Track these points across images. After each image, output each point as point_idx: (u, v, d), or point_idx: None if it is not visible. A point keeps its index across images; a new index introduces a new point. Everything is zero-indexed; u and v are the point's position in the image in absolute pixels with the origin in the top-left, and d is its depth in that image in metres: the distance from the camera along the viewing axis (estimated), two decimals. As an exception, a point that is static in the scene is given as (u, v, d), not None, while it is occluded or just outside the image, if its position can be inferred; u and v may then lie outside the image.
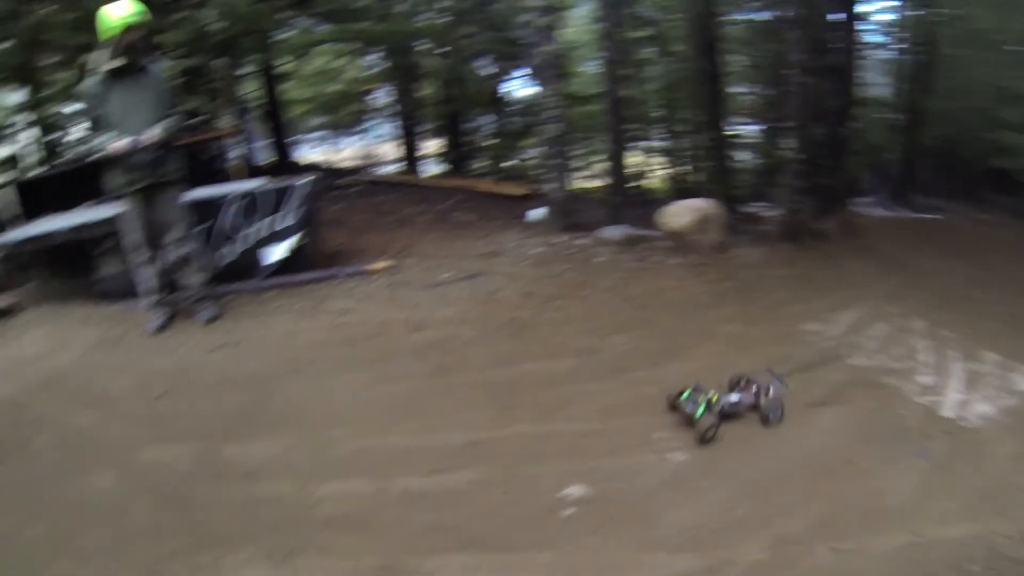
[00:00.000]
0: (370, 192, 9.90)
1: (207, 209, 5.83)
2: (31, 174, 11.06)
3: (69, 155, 12.78)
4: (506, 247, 6.77)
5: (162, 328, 5.10)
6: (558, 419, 3.63)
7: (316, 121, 17.21)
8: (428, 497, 3.08)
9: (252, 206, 5.96)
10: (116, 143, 4.59)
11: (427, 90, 14.73)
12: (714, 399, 3.52)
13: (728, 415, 3.57)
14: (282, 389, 4.14)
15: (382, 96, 16.29)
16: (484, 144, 15.40)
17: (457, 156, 14.54)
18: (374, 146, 17.29)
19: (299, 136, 15.99)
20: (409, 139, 14.98)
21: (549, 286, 5.58)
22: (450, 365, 4.32)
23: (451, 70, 13.45)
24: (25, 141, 14.77)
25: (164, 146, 4.79)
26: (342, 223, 7.67)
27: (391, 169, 14.74)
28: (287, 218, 5.98)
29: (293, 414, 3.86)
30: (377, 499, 3.10)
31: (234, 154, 8.52)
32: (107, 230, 5.52)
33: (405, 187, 10.45)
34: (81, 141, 14.00)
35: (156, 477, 3.43)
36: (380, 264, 6.19)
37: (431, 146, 15.55)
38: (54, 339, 5.10)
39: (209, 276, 5.41)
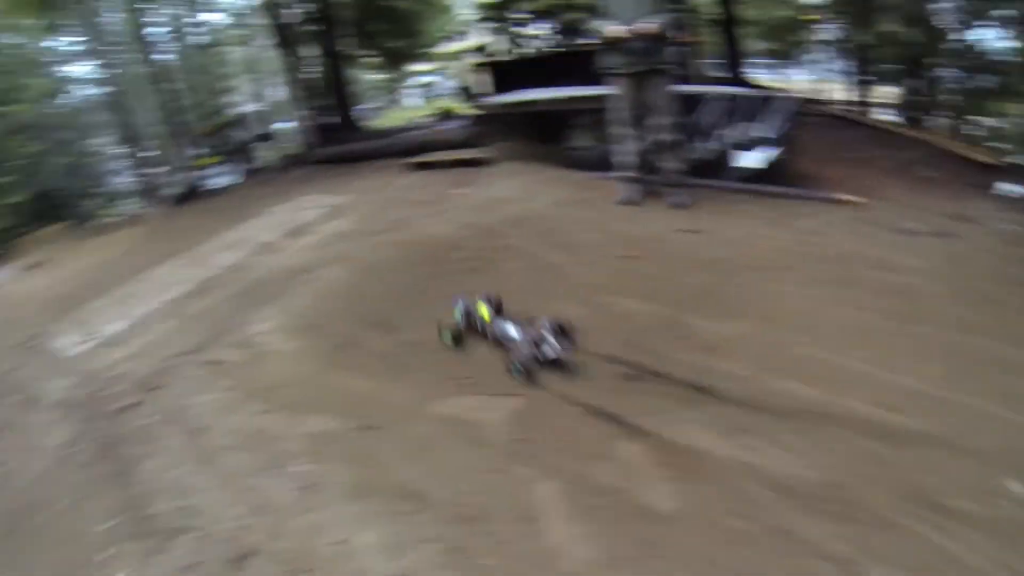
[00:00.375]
0: (825, 125, 9.15)
1: (689, 104, 5.71)
2: (499, 58, 12.25)
3: (528, 47, 14.06)
4: (975, 214, 5.78)
5: (631, 202, 5.23)
6: (1015, 410, 2.86)
7: (762, 46, 16.47)
8: (873, 425, 2.74)
9: (733, 109, 5.71)
10: (613, 27, 4.89)
11: (884, 29, 12.97)
12: (483, 315, 3.25)
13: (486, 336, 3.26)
14: (743, 281, 3.95)
15: (832, 30, 14.83)
16: (945, 99, 13.17)
17: (913, 107, 12.74)
18: (822, 82, 16.03)
19: (747, 58, 15.33)
20: (861, 80, 13.52)
21: (1022, 269, 4.64)
22: (908, 312, 3.77)
23: (912, 8, 11.67)
24: (492, 34, 16.77)
25: (658, 38, 4.91)
26: (803, 150, 7.18)
27: (839, 109, 13.43)
28: (767, 129, 5.64)
29: (753, 306, 3.67)
30: (826, 410, 2.84)
31: (690, 62, 8.43)
32: (590, 105, 5.73)
33: (861, 128, 9.46)
34: (535, 36, 15.41)
35: (617, 322, 3.48)
36: (849, 197, 5.59)
37: (884, 92, 13.82)
38: (525, 190, 5.46)
39: (684, 166, 5.35)
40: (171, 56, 15.62)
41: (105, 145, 25.49)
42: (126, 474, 3.08)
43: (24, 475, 3.46)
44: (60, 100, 23.31)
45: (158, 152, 13.37)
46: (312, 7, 13.31)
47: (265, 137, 12.44)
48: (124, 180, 25.59)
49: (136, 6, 15.59)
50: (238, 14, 19.06)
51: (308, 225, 6.04)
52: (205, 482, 2.79)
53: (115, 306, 5.14)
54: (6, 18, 17.43)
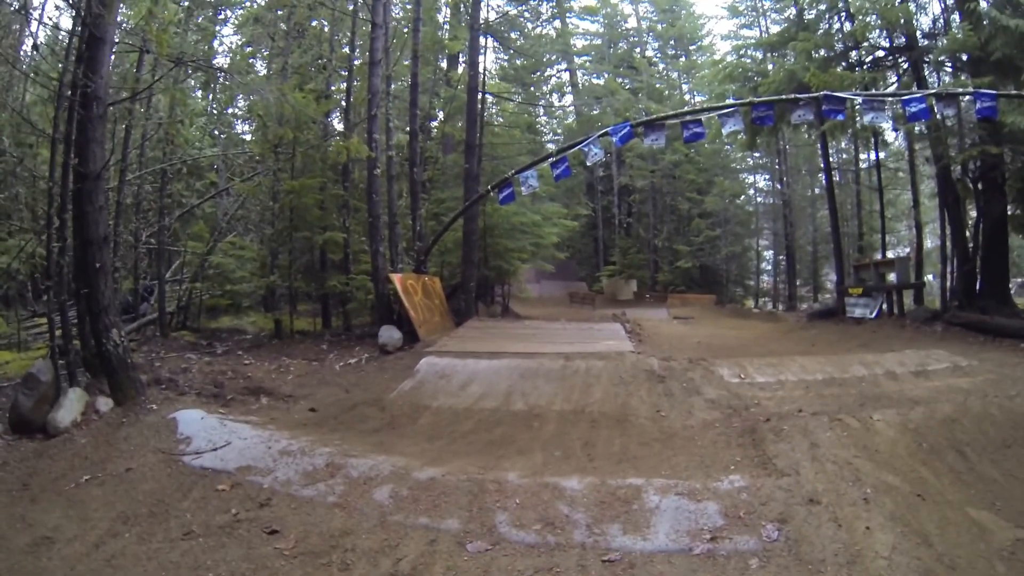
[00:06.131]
0: None
1: None
2: None
3: None
4: None
5: None
6: None
7: None
8: None
9: None
10: None
11: None
12: None
13: None
14: None
15: None
16: None
17: None
18: None
19: None
20: None
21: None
22: None
23: None
24: None
25: None
26: None
27: None
28: None
29: None
30: None
31: None
32: None
33: None
34: None
35: None
36: None
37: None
38: None
39: None
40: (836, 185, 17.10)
41: (761, 247, 29.29)
42: (755, 444, 4.75)
43: (677, 423, 5.52)
44: (739, 201, 27.85)
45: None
46: (978, 163, 12.68)
47: (909, 284, 12.83)
48: (765, 280, 28.97)
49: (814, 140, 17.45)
50: (897, 154, 19.22)
51: (932, 372, 6.81)
52: (808, 462, 4.20)
53: (765, 367, 7.13)
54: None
